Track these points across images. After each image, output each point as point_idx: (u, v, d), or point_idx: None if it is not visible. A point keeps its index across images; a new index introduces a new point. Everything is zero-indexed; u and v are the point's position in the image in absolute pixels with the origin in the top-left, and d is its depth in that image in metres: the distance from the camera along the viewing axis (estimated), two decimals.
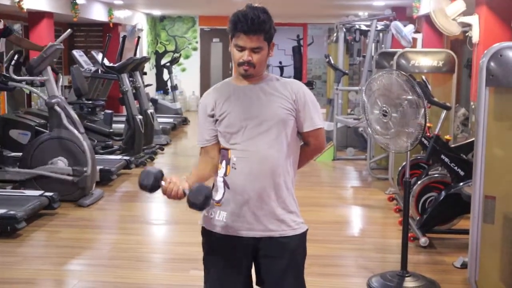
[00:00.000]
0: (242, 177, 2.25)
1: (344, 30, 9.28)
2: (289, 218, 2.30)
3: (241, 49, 2.21)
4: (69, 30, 6.22)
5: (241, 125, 2.25)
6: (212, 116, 2.31)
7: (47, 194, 5.44)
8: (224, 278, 2.35)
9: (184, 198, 2.19)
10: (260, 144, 2.24)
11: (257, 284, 2.40)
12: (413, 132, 3.69)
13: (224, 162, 2.30)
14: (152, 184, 2.17)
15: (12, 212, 4.84)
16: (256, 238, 2.28)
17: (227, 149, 2.28)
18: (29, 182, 5.84)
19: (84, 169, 5.75)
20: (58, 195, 5.53)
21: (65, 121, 5.80)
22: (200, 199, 2.14)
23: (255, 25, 2.17)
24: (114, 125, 8.56)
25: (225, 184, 2.29)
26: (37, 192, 5.51)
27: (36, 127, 6.80)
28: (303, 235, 2.36)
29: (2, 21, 6.43)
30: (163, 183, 2.18)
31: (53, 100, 5.85)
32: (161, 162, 8.46)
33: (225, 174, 2.29)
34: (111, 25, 11.30)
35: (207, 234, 2.36)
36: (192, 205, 2.17)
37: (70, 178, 5.75)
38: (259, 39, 2.20)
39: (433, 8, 6.22)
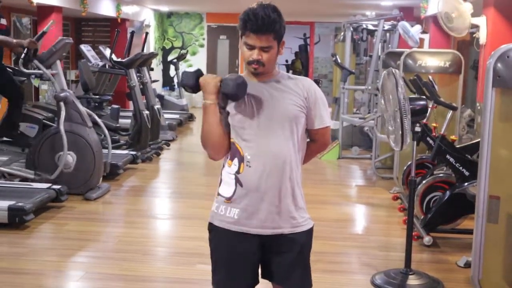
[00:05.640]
0: (257, 174, 2.26)
1: (351, 29, 9.29)
2: (299, 215, 2.35)
3: (251, 47, 2.23)
4: (52, 20, 6.27)
5: (253, 121, 2.28)
6: (224, 108, 2.33)
7: (54, 187, 5.49)
8: (232, 273, 2.37)
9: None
10: (273, 140, 2.27)
11: (263, 277, 2.43)
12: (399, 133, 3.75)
13: (236, 160, 2.30)
14: (195, 76, 2.29)
15: (20, 204, 4.89)
16: (266, 235, 2.32)
17: (238, 144, 2.30)
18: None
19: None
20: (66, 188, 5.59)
21: (73, 115, 5.85)
22: (239, 79, 2.22)
23: (265, 25, 2.18)
24: (120, 120, 8.60)
25: (238, 181, 2.30)
26: (45, 185, 5.56)
27: (44, 121, 6.85)
28: (310, 231, 2.40)
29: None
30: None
31: (61, 94, 5.90)
32: (167, 158, 8.51)
33: (238, 172, 2.30)
34: (119, 20, 11.34)
35: (215, 230, 2.38)
36: (226, 83, 2.24)
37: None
38: (269, 39, 2.21)
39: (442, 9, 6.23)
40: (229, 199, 2.32)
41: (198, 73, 2.31)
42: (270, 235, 2.31)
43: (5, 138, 6.58)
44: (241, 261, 2.36)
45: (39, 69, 5.95)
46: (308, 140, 2.42)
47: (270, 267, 2.38)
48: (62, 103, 5.84)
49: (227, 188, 2.33)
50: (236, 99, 2.26)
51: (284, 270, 2.36)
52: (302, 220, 2.36)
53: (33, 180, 5.76)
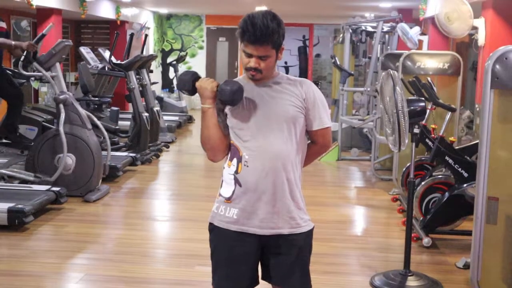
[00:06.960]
0: (255, 174, 2.28)
1: (350, 31, 9.30)
2: (298, 215, 2.35)
3: (249, 55, 2.24)
4: (51, 23, 6.26)
5: (252, 122, 2.29)
6: (223, 110, 2.35)
7: (54, 189, 5.49)
8: (232, 273, 2.39)
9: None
10: (271, 140, 2.29)
11: (263, 278, 2.45)
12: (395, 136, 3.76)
13: (235, 160, 2.33)
14: (191, 81, 2.33)
15: (20, 206, 4.89)
16: (265, 235, 2.32)
17: (237, 145, 2.32)
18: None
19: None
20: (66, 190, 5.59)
21: (72, 117, 5.86)
22: (234, 86, 2.25)
23: (262, 36, 2.18)
24: (120, 122, 8.62)
25: (236, 181, 2.32)
26: (44, 187, 5.57)
27: (43, 123, 6.86)
28: (310, 233, 2.41)
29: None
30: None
31: (61, 96, 5.90)
32: (166, 160, 8.52)
33: (236, 172, 2.32)
34: (118, 22, 11.36)
35: (215, 230, 2.40)
36: (223, 91, 2.26)
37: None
38: (266, 49, 2.22)
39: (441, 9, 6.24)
40: (228, 199, 2.33)
41: (195, 76, 2.34)
42: (269, 236, 2.32)
43: (4, 140, 6.60)
44: (241, 261, 2.37)
45: (39, 71, 5.97)
46: (309, 141, 2.43)
47: (269, 268, 2.39)
48: (61, 105, 5.84)
49: (227, 188, 2.35)
50: (233, 105, 2.30)
51: (283, 271, 2.36)
52: (302, 221, 2.36)
53: (33, 182, 5.76)
